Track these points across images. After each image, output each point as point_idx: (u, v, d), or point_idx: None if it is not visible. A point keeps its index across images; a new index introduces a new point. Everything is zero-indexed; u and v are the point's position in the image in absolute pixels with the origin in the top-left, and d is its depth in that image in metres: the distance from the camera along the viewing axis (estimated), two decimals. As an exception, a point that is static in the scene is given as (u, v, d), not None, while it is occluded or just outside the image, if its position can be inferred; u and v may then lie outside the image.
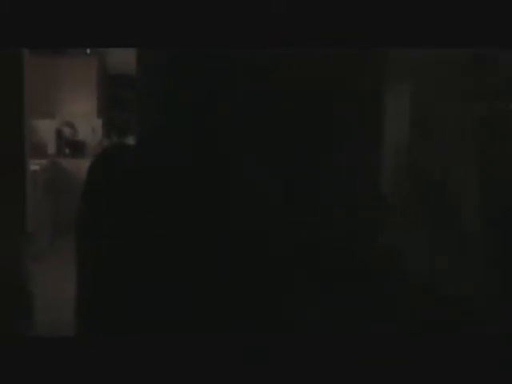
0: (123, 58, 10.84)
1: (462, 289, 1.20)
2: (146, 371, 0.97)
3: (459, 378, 1.01)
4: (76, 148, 11.72)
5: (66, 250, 6.78)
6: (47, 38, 0.97)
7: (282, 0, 0.97)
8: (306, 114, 1.03)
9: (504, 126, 1.27)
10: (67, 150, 11.72)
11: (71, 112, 11.75)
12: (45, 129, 11.54)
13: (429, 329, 1.06)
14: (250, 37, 0.98)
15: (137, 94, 1.16)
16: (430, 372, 1.01)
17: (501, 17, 1.01)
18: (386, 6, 0.99)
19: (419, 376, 1.01)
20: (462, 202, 1.28)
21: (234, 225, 1.01)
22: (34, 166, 8.25)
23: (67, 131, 12.06)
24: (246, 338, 0.99)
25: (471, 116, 1.26)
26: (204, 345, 0.97)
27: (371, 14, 0.99)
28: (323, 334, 1.01)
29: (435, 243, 1.24)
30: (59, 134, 11.99)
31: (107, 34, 0.95)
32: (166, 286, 1.00)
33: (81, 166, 9.46)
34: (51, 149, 11.89)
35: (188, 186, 1.03)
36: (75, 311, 1.09)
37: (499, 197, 1.28)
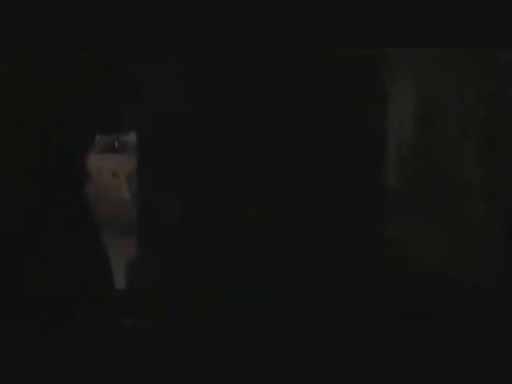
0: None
1: (466, 278, 1.20)
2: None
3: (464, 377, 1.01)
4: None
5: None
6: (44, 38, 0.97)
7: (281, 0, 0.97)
8: (312, 106, 1.04)
9: (505, 112, 1.27)
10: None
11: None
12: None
13: (433, 319, 1.06)
14: (251, 36, 0.97)
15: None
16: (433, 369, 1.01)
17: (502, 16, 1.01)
18: (388, 6, 0.99)
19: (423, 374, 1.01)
20: (467, 190, 1.27)
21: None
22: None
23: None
24: (245, 338, 0.99)
25: (473, 104, 1.25)
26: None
27: (374, 14, 0.99)
28: (324, 334, 1.01)
29: (438, 232, 1.23)
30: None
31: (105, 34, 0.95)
32: None
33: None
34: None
35: None
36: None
37: (504, 186, 1.27)
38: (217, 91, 1.00)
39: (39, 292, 0.96)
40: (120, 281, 1.17)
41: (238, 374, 1.00)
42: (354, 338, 1.01)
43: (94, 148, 1.16)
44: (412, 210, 1.25)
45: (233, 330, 1.02)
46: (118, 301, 1.07)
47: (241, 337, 1.00)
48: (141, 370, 1.00)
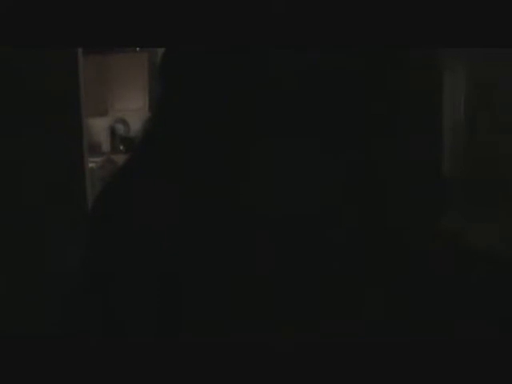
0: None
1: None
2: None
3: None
4: (130, 144, 11.81)
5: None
6: (99, 37, 1.00)
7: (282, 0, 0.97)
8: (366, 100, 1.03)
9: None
10: (121, 147, 11.83)
11: (123, 109, 11.89)
12: (98, 126, 11.71)
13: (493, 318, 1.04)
14: (251, 36, 0.98)
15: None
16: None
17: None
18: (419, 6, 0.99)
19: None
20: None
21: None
22: (91, 163, 8.29)
23: (120, 128, 12.21)
24: (246, 339, 0.99)
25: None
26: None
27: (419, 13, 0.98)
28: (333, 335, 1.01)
29: (498, 223, 1.21)
30: (113, 131, 12.16)
31: (155, 32, 0.97)
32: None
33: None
34: (106, 146, 12.06)
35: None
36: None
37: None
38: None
39: None
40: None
41: (238, 374, 1.00)
42: (355, 338, 1.00)
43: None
44: (474, 195, 1.23)
45: (233, 329, 1.02)
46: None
47: (241, 336, 1.01)
48: (141, 372, 1.01)
